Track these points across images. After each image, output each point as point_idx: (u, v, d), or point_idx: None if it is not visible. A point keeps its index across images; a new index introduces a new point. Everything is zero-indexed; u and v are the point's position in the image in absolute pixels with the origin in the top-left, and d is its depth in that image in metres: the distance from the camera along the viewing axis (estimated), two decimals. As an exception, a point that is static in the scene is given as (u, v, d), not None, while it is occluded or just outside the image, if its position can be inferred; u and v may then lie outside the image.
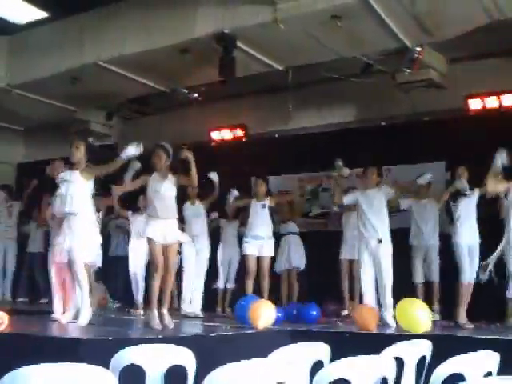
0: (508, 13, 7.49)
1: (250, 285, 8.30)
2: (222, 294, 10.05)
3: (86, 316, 6.28)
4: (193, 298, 8.98)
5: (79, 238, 6.31)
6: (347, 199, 8.07)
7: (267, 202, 8.50)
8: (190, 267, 8.93)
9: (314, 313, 7.90)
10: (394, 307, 6.92)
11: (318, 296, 8.74)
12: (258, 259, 8.39)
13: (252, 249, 8.37)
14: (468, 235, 7.54)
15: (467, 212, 7.63)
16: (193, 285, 8.96)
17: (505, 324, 7.41)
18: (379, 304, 7.56)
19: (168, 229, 6.41)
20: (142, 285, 9.21)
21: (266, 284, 8.29)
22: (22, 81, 10.24)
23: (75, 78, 9.95)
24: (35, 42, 9.84)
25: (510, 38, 9.00)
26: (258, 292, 8.15)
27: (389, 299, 7.42)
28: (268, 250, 8.42)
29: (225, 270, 9.97)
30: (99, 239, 6.87)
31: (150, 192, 6.52)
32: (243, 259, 8.69)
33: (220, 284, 9.97)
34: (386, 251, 7.61)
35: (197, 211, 9.08)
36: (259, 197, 8.52)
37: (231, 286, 10.05)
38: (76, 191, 6.38)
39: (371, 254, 7.64)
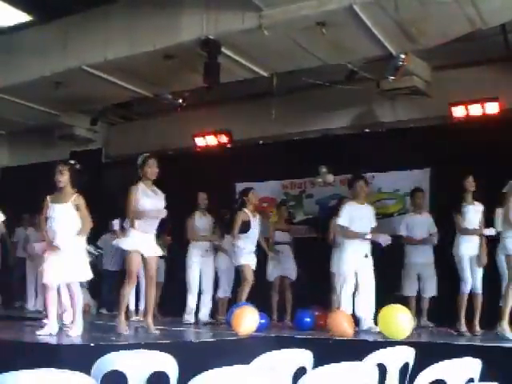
0: (490, 22, 7.55)
1: (246, 293, 8.35)
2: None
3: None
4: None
5: None
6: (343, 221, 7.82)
7: (258, 218, 8.62)
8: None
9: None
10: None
11: (304, 304, 8.72)
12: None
13: (250, 260, 8.48)
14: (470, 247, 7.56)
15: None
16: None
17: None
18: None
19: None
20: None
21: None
22: (5, 84, 10.14)
23: (59, 83, 9.88)
24: (19, 45, 9.76)
25: (493, 46, 9.08)
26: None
27: (373, 307, 7.58)
28: (255, 263, 8.57)
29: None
30: None
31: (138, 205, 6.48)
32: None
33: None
34: (371, 264, 7.75)
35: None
36: (253, 211, 8.61)
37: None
38: None
39: (355, 266, 7.72)
